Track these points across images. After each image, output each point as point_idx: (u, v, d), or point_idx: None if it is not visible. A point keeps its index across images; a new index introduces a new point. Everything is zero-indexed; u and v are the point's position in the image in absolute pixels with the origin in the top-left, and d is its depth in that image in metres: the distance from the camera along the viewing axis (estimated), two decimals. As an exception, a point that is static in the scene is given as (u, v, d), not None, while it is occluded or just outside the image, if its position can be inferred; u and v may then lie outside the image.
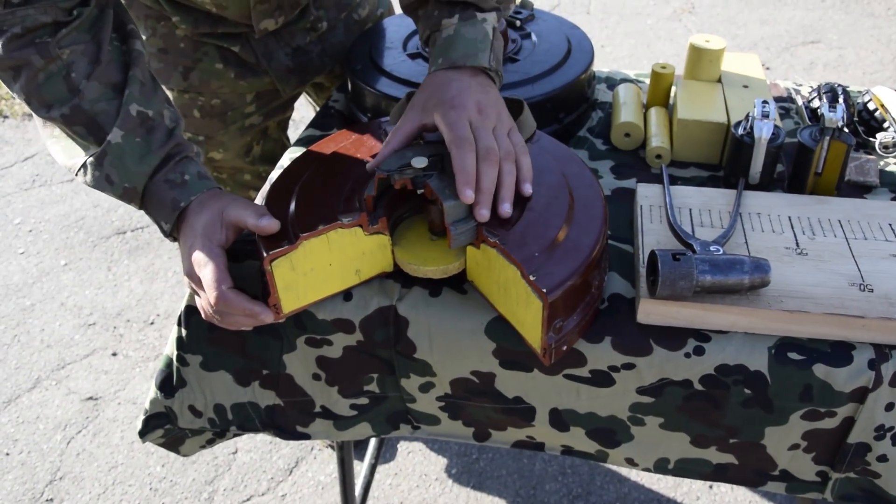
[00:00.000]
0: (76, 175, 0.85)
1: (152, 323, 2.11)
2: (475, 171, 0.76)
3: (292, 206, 0.81)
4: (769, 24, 3.66)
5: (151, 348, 2.04)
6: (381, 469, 1.71)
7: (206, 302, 0.79)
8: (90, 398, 1.91)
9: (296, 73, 1.23)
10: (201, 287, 0.79)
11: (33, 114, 0.86)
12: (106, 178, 0.83)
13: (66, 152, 0.86)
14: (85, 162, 0.84)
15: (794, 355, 0.77)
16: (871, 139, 1.08)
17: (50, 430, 1.83)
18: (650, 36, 3.57)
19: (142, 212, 0.87)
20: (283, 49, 1.20)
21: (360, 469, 1.61)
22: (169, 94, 1.20)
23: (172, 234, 0.85)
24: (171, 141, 0.85)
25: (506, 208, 0.76)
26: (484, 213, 0.75)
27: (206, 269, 0.78)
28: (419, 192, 0.78)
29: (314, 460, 1.74)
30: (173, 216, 0.83)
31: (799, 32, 3.60)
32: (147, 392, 1.90)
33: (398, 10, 1.36)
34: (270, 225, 0.78)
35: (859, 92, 1.20)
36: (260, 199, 0.99)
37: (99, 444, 1.80)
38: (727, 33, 3.59)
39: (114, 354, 2.02)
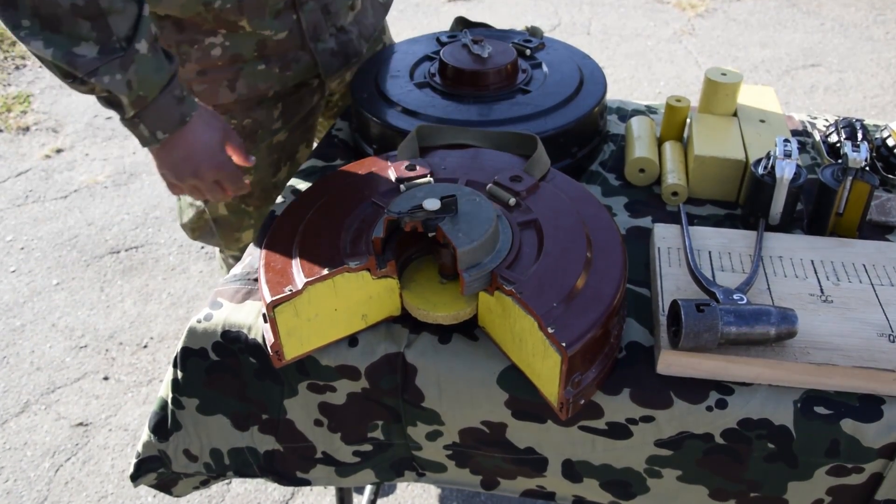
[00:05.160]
0: (82, 74, 0.88)
1: (145, 346, 2.06)
2: None
3: (296, 246, 0.77)
4: (769, 48, 3.66)
5: (144, 372, 1.99)
6: (380, 502, 1.66)
7: (219, 194, 1.05)
8: (80, 424, 1.86)
9: (338, 55, 1.22)
10: (215, 182, 1.03)
11: None
12: (127, 83, 0.90)
13: (59, 46, 0.86)
14: (103, 64, 0.88)
15: (820, 409, 0.74)
16: (891, 176, 1.05)
17: (38, 457, 1.78)
18: (651, 57, 3.55)
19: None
20: (328, 29, 1.19)
21: (360, 503, 1.57)
22: None
23: (158, 142, 0.97)
24: (174, 63, 0.95)
25: None
26: None
27: (232, 175, 1.02)
28: (430, 235, 0.74)
29: (310, 492, 1.69)
30: (176, 128, 0.96)
31: (799, 56, 3.59)
32: (139, 419, 1.86)
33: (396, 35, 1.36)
34: (252, 162, 1.06)
35: (876, 126, 1.17)
36: (262, 234, 0.95)
37: (88, 473, 1.75)
38: (727, 56, 3.59)
39: (105, 378, 1.97)
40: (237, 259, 1.41)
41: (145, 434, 0.91)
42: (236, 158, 1.05)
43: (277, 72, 1.17)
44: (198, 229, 1.38)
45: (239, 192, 1.06)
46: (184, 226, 1.39)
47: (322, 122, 1.39)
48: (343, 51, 1.23)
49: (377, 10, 1.30)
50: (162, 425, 0.90)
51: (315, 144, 1.36)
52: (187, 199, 1.34)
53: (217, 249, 1.49)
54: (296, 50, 1.17)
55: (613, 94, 3.16)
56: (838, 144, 1.07)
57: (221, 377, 0.84)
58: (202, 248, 2.40)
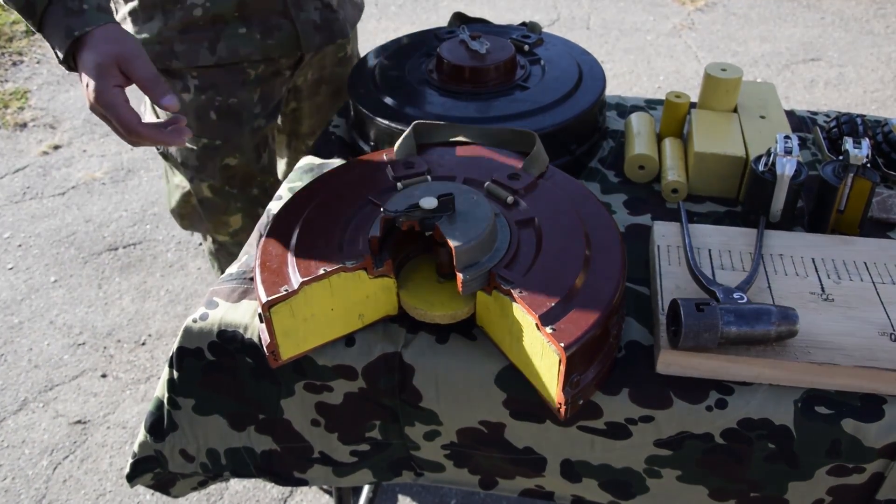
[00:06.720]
0: None
1: (143, 343, 2.06)
2: None
3: (293, 245, 0.77)
4: (769, 42, 3.65)
5: (142, 370, 1.98)
6: (378, 501, 1.66)
7: (120, 133, 0.89)
8: (78, 422, 1.85)
9: (321, 31, 1.22)
10: (109, 120, 0.88)
11: None
12: None
13: None
14: None
15: (821, 409, 0.73)
16: (892, 173, 1.04)
17: (36, 455, 1.78)
18: (650, 52, 3.54)
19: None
20: (313, 2, 1.20)
21: (359, 501, 1.56)
22: (185, 96, 1.19)
23: (69, 62, 0.90)
24: None
25: None
26: None
27: (113, 111, 0.86)
28: (427, 234, 0.73)
29: (309, 490, 1.69)
30: (66, 44, 0.87)
31: (799, 50, 3.58)
32: (137, 416, 1.85)
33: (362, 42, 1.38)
34: (171, 105, 0.86)
35: (877, 121, 1.16)
36: (258, 233, 0.94)
37: (87, 471, 1.74)
38: (727, 50, 3.57)
39: (103, 376, 1.97)
40: (224, 252, 1.41)
41: (141, 434, 0.91)
42: (151, 95, 0.88)
43: (258, 38, 1.16)
44: (186, 216, 1.38)
45: (138, 143, 0.89)
46: (172, 212, 1.39)
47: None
48: (328, 27, 1.23)
49: (355, 7, 1.32)
50: (158, 425, 0.89)
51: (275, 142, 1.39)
52: (174, 180, 1.34)
53: (205, 246, 1.48)
54: (277, 17, 1.17)
55: (612, 90, 3.15)
56: (842, 142, 1.06)
57: (217, 377, 0.84)
58: (200, 244, 2.39)
